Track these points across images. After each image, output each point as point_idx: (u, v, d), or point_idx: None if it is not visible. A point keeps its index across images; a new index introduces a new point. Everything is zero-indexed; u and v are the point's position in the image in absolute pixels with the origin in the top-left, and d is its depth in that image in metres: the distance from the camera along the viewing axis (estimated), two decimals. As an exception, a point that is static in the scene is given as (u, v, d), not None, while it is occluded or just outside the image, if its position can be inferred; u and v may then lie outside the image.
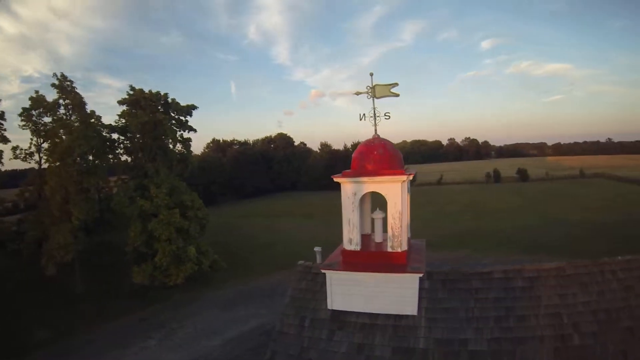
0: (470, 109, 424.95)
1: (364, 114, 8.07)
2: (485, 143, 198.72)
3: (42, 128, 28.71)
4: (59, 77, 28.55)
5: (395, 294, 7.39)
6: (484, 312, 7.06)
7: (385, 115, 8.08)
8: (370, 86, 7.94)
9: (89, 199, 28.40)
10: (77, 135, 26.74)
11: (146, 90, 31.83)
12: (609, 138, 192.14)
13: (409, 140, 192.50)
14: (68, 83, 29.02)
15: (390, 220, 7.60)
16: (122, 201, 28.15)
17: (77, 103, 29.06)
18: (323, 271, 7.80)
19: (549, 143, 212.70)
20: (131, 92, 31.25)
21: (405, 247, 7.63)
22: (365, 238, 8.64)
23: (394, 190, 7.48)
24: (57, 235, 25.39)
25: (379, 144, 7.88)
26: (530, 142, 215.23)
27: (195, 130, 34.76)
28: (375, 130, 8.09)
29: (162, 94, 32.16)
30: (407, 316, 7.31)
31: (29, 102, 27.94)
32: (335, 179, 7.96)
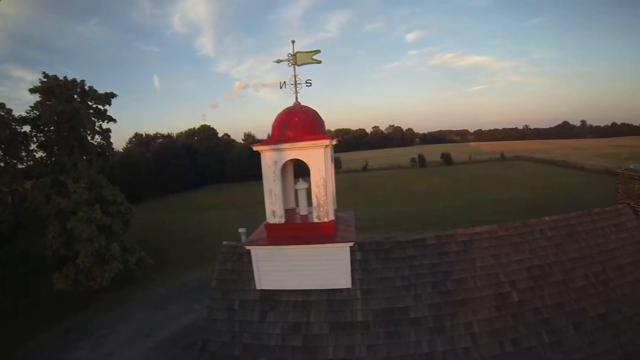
0: (395, 98, 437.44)
1: (284, 82, 7.43)
2: (410, 130, 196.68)
3: None
4: None
5: (326, 267, 6.79)
6: (420, 278, 6.68)
7: (306, 82, 7.45)
8: (292, 53, 7.36)
9: (1, 202, 24.66)
10: None
11: (61, 78, 28.20)
12: (526, 125, 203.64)
13: (332, 129, 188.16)
14: None
15: (314, 189, 6.96)
16: (37, 200, 24.77)
17: None
18: (247, 248, 7.03)
19: (471, 130, 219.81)
20: (44, 80, 27.78)
21: (332, 217, 7.01)
22: (290, 212, 7.98)
23: (317, 156, 6.84)
24: None
25: (299, 110, 7.25)
26: (453, 129, 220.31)
27: (115, 121, 31.38)
28: (297, 97, 7.43)
29: (78, 81, 28.89)
30: (341, 290, 6.75)
31: None
32: (254, 148, 7.18)
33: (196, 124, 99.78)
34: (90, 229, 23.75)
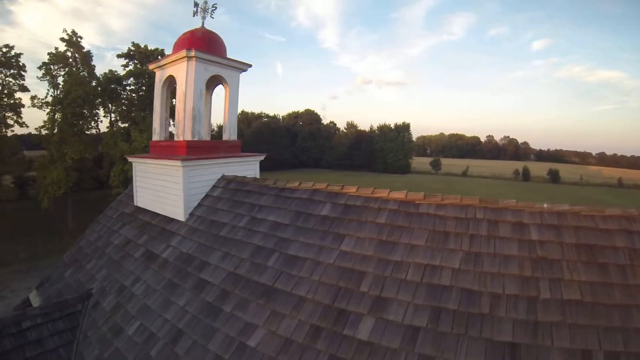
0: (515, 109, 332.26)
1: (195, 9, 4.98)
2: (525, 144, 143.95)
3: (57, 81, 23.49)
4: (69, 33, 23.13)
5: (169, 192, 4.20)
6: (249, 236, 3.35)
7: (213, 6, 4.96)
8: None
9: (82, 141, 22.27)
10: (74, 81, 21.92)
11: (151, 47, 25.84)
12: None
13: (447, 132, 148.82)
14: (78, 39, 23.47)
15: (177, 105, 4.38)
16: (108, 143, 23.13)
17: (83, 56, 23.85)
18: (130, 159, 5.01)
19: (594, 153, 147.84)
20: (132, 48, 25.57)
21: (188, 137, 4.24)
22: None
23: (181, 69, 4.34)
24: (52, 172, 20.81)
25: (193, 30, 4.72)
26: (573, 150, 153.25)
27: None
28: (203, 23, 4.87)
29: (159, 49, 25.83)
30: (177, 222, 4.09)
31: (48, 58, 23.04)
32: (150, 67, 5.11)
33: (300, 108, 75.34)
34: (142, 172, 21.68)
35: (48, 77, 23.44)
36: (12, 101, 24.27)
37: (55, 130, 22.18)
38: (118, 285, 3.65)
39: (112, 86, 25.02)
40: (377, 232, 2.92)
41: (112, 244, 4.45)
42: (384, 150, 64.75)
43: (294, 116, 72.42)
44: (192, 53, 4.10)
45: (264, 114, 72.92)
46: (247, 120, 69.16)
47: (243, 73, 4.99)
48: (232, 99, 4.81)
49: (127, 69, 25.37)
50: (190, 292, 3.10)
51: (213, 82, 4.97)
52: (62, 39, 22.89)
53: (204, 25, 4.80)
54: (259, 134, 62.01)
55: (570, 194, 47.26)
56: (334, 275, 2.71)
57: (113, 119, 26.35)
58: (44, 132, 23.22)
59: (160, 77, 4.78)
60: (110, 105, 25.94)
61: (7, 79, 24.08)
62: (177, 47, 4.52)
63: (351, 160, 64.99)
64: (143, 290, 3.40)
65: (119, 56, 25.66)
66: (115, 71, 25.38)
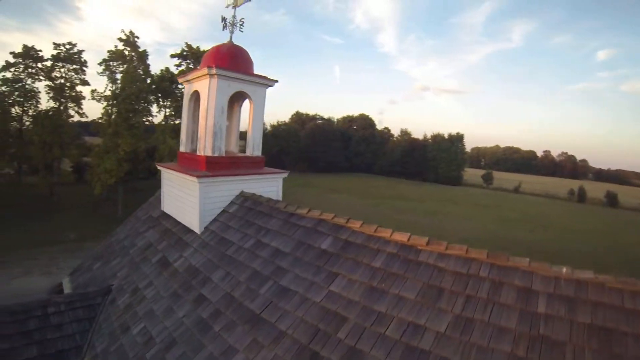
0: (574, 123, 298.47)
1: (224, 25, 5.11)
2: (584, 162, 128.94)
3: (116, 77, 24.77)
4: (127, 33, 24.08)
5: (188, 204, 4.46)
6: (251, 259, 3.48)
7: (241, 20, 5.02)
8: None
9: (135, 134, 23.02)
10: (129, 78, 23.10)
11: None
12: None
13: (502, 145, 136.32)
14: (135, 39, 24.44)
15: (200, 120, 4.57)
16: (158, 139, 23.97)
17: (139, 56, 24.99)
18: (159, 167, 5.29)
19: None
20: (185, 49, 26.27)
21: (209, 152, 4.41)
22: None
23: (204, 85, 4.49)
24: (106, 162, 21.99)
25: (219, 45, 4.87)
26: (636, 171, 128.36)
27: None
28: (231, 37, 5.00)
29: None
30: (193, 233, 4.33)
31: (107, 55, 24.53)
32: (180, 80, 5.39)
33: (357, 111, 74.75)
34: (187, 169, 22.29)
35: (107, 73, 25.04)
36: (73, 93, 26.79)
37: (111, 123, 23.68)
38: (133, 286, 4.02)
39: (166, 83, 25.88)
40: (369, 276, 2.88)
41: (136, 245, 4.87)
42: (437, 160, 62.73)
43: (349, 120, 71.77)
44: (214, 71, 4.27)
45: (319, 115, 72.79)
46: (301, 121, 69.22)
47: (274, 85, 5.10)
48: (257, 115, 4.92)
49: (180, 68, 26.35)
50: (190, 305, 3.32)
51: (241, 96, 5.15)
52: (120, 39, 24.54)
53: (232, 40, 4.95)
54: (313, 135, 61.61)
55: (635, 222, 41.34)
56: (317, 315, 2.73)
57: (167, 114, 27.96)
58: (101, 122, 24.88)
59: (188, 90, 5.03)
60: (163, 101, 26.73)
61: (69, 73, 26.51)
62: (204, 62, 4.73)
63: (403, 168, 63.60)
64: (153, 295, 3.70)
65: (172, 56, 26.42)
66: (169, 69, 26.23)
